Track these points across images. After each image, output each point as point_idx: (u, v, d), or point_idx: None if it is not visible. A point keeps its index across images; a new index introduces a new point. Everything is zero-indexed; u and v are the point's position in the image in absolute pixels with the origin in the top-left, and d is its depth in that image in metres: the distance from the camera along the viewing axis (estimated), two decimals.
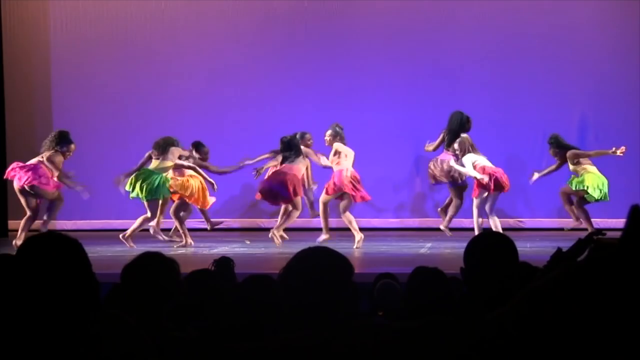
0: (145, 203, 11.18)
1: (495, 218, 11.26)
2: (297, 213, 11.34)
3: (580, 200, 11.61)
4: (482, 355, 2.02)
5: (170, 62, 13.84)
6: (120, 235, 11.21)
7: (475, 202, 11.26)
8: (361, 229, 11.38)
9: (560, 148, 11.62)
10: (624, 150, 11.34)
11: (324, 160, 11.45)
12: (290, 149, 11.31)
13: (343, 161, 11.14)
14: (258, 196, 11.50)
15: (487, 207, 11.25)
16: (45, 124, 14.01)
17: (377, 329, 2.27)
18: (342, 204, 11.26)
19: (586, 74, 13.34)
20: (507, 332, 1.98)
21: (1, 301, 2.69)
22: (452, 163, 11.23)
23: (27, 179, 11.18)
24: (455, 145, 11.15)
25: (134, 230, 11.21)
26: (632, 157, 13.12)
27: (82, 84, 13.88)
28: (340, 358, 2.24)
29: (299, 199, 11.27)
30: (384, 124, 13.31)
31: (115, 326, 2.66)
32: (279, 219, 11.56)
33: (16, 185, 11.31)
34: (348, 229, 11.75)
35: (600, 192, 11.46)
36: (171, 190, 11.35)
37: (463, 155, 11.14)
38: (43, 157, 11.29)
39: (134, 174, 11.15)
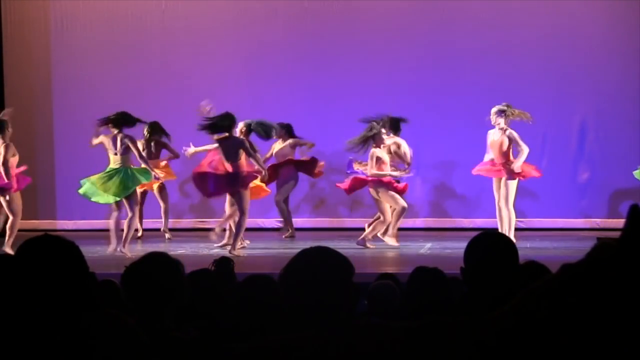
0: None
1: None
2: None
3: None
4: (482, 356, 2.02)
5: (170, 62, 13.83)
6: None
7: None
8: (361, 229, 11.37)
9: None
10: None
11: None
12: None
13: None
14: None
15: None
16: (45, 124, 14.01)
17: (377, 329, 2.27)
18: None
19: (586, 74, 13.34)
20: (508, 333, 1.98)
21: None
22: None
23: None
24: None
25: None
26: (632, 157, 13.11)
27: (82, 84, 13.87)
28: (340, 358, 2.24)
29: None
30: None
31: (113, 326, 2.66)
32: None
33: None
34: (347, 229, 11.78)
35: None
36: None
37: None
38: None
39: None
